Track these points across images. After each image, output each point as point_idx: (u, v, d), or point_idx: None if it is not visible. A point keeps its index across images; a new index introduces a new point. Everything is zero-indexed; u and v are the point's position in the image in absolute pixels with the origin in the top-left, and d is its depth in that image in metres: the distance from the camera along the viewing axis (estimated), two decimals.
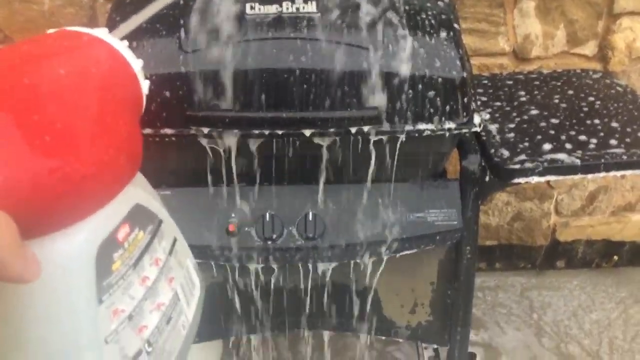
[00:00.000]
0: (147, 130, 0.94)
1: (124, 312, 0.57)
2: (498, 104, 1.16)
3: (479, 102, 1.15)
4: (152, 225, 0.64)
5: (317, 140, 0.95)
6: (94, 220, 0.53)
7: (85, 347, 0.54)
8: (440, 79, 0.93)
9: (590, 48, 1.53)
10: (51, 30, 0.58)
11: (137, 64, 0.63)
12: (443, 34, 0.96)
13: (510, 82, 1.24)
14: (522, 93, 1.19)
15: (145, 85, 0.65)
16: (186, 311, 0.72)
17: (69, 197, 0.49)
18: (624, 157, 0.98)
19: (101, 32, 0.60)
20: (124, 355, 0.57)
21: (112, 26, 0.64)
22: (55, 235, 0.51)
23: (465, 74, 0.94)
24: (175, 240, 0.71)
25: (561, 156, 0.99)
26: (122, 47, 0.61)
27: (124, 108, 0.59)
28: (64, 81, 0.51)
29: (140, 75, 0.64)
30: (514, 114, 1.12)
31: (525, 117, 1.10)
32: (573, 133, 1.04)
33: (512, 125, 1.08)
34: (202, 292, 0.76)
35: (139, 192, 0.64)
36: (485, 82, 1.26)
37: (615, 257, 1.84)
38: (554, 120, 1.08)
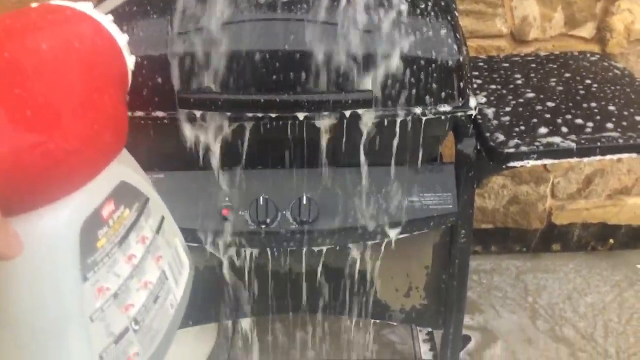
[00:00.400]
0: (139, 113, 0.93)
1: (109, 290, 0.57)
2: (494, 86, 1.15)
3: (475, 85, 1.14)
4: (138, 202, 0.64)
5: (310, 123, 0.94)
6: (78, 197, 0.53)
7: (70, 324, 0.54)
8: (435, 62, 0.91)
9: (588, 30, 1.52)
10: (34, 4, 0.57)
11: (122, 39, 0.62)
12: (439, 16, 0.94)
13: (507, 65, 1.23)
14: (519, 76, 1.18)
15: (130, 61, 0.64)
16: (174, 290, 0.71)
17: (52, 173, 0.48)
18: (620, 141, 0.97)
19: (86, 6, 0.59)
20: (109, 332, 0.57)
21: (97, 0, 0.63)
22: (38, 212, 0.50)
23: (461, 57, 0.93)
24: (162, 219, 0.70)
25: (557, 139, 0.98)
26: (107, 22, 0.60)
27: (109, 84, 0.58)
28: (46, 55, 0.50)
29: (125, 51, 0.63)
30: (510, 97, 1.11)
31: (522, 100, 1.09)
32: (569, 117, 1.03)
33: (508, 109, 1.07)
34: (192, 271, 0.76)
35: (125, 169, 0.63)
36: (481, 64, 1.25)
37: (611, 241, 1.85)
38: (550, 104, 1.07)
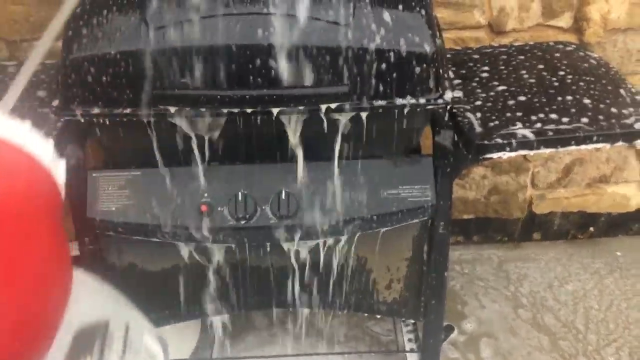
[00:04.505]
0: (115, 111, 0.92)
1: None
2: (476, 78, 1.15)
3: (452, 76, 1.15)
4: (99, 339, 0.60)
5: (286, 118, 0.94)
6: None
7: None
8: (410, 54, 0.92)
9: (565, 20, 1.53)
10: None
11: (44, 152, 0.49)
12: (413, 8, 0.94)
13: (477, 57, 1.23)
14: (494, 67, 1.19)
15: (60, 173, 0.52)
16: None
17: None
18: (594, 132, 0.98)
19: None
20: None
21: None
22: None
23: (435, 49, 0.93)
24: (127, 328, 0.67)
25: (532, 131, 0.99)
26: (21, 136, 0.47)
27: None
28: None
29: (52, 167, 0.50)
30: (487, 90, 1.11)
31: (498, 92, 1.10)
32: (546, 108, 1.04)
33: (484, 101, 1.07)
34: (167, 355, 0.73)
35: (78, 312, 0.58)
36: (464, 57, 1.25)
37: (591, 229, 1.86)
38: (523, 98, 1.07)
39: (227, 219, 1.02)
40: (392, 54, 0.91)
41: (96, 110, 0.92)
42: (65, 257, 0.53)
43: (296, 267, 1.13)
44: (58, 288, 0.51)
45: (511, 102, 1.06)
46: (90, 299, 0.62)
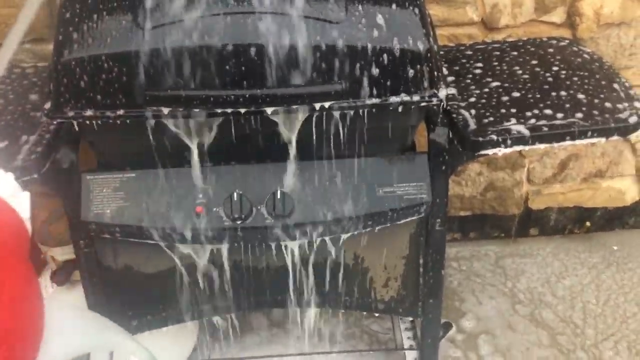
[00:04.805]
0: (108, 113, 0.92)
1: None
2: (469, 75, 1.15)
3: (446, 73, 1.14)
4: None
5: (280, 117, 0.94)
6: None
7: None
8: (403, 52, 0.91)
9: (558, 15, 1.53)
10: None
11: (6, 187, 0.48)
12: (406, 5, 0.94)
13: (470, 53, 1.23)
14: (487, 64, 1.18)
15: (25, 207, 0.50)
16: None
17: None
18: (590, 126, 0.98)
19: None
20: None
21: None
22: None
23: (429, 46, 0.93)
24: (111, 356, 0.67)
25: (527, 127, 0.99)
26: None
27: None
28: None
29: (17, 203, 0.49)
30: (481, 86, 1.11)
31: (492, 88, 1.10)
32: (540, 104, 1.04)
33: (478, 98, 1.07)
34: None
35: (63, 342, 0.58)
36: (457, 53, 1.25)
37: (588, 224, 1.87)
38: (517, 94, 1.07)
39: (222, 220, 1.02)
40: (385, 51, 0.90)
41: (88, 113, 0.92)
42: (35, 295, 0.52)
43: (292, 266, 1.12)
44: (30, 327, 0.51)
45: (505, 99, 1.06)
46: (73, 329, 0.62)
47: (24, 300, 0.51)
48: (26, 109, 1.03)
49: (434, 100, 0.95)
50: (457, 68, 1.17)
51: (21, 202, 0.49)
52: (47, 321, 0.56)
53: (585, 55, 1.20)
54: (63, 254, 1.26)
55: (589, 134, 0.96)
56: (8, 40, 0.65)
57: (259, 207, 1.02)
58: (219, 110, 0.90)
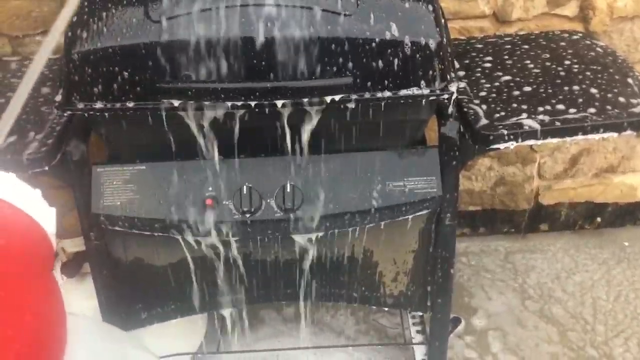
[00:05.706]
0: (118, 105, 0.92)
1: None
2: (479, 69, 1.14)
3: (457, 67, 1.14)
4: None
5: (291, 110, 0.93)
6: None
7: None
8: (415, 45, 0.91)
9: (571, 8, 1.51)
10: None
11: (34, 204, 0.49)
12: None
13: (480, 46, 1.22)
14: (498, 57, 1.18)
15: (51, 223, 0.52)
16: None
17: None
18: (603, 121, 0.97)
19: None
20: None
21: None
22: None
23: (441, 40, 0.92)
24: None
25: (538, 121, 0.98)
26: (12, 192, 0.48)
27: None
28: None
29: (44, 219, 0.51)
30: (492, 80, 1.10)
31: (502, 82, 1.09)
32: (552, 99, 1.03)
33: (488, 92, 1.07)
34: None
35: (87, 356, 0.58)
36: (467, 46, 1.24)
37: (598, 219, 1.85)
38: (528, 88, 1.06)
39: (232, 213, 1.02)
40: (396, 44, 0.90)
41: (99, 105, 0.92)
42: (59, 310, 0.53)
43: (301, 260, 1.12)
44: (54, 342, 0.51)
45: (516, 93, 1.05)
46: (89, 346, 0.62)
47: (47, 315, 0.51)
48: (38, 102, 1.04)
49: (445, 94, 0.95)
50: (467, 62, 1.16)
51: (47, 217, 0.51)
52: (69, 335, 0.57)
53: (599, 49, 1.18)
54: (73, 245, 1.27)
55: (602, 129, 0.95)
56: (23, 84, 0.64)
57: (268, 201, 1.02)
58: (229, 103, 0.90)
